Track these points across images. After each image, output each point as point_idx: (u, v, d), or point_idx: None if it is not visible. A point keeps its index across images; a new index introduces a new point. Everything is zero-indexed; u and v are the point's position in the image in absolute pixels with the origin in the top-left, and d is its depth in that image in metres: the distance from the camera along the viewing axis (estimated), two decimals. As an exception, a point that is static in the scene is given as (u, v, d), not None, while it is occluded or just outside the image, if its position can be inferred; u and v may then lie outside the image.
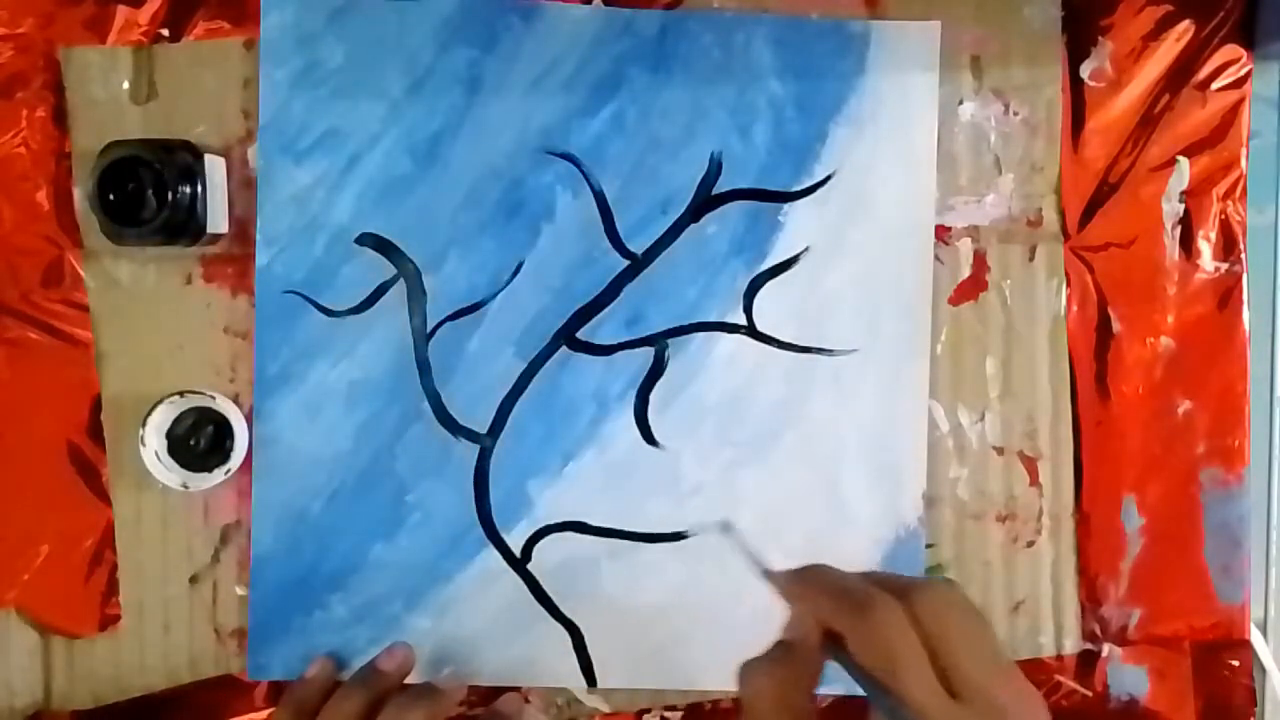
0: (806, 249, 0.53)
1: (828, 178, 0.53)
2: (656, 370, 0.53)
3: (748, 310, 0.53)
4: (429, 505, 0.53)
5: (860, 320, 0.53)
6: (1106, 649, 0.54)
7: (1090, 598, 0.54)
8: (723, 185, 0.53)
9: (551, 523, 0.53)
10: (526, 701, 0.54)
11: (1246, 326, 0.54)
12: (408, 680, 0.53)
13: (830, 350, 0.53)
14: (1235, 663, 0.54)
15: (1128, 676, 0.55)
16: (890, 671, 0.33)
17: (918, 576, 0.36)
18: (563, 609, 0.53)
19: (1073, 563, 0.54)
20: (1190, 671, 0.55)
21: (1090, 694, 0.54)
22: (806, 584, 0.37)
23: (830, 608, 0.35)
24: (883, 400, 0.53)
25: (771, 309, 0.53)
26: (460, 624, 0.53)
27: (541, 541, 0.53)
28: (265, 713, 0.54)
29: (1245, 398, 0.54)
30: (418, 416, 0.53)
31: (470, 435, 0.53)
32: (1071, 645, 0.54)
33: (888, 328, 0.53)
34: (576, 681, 0.53)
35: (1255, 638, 0.54)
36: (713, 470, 0.53)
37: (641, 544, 0.53)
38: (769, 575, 0.39)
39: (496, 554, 0.53)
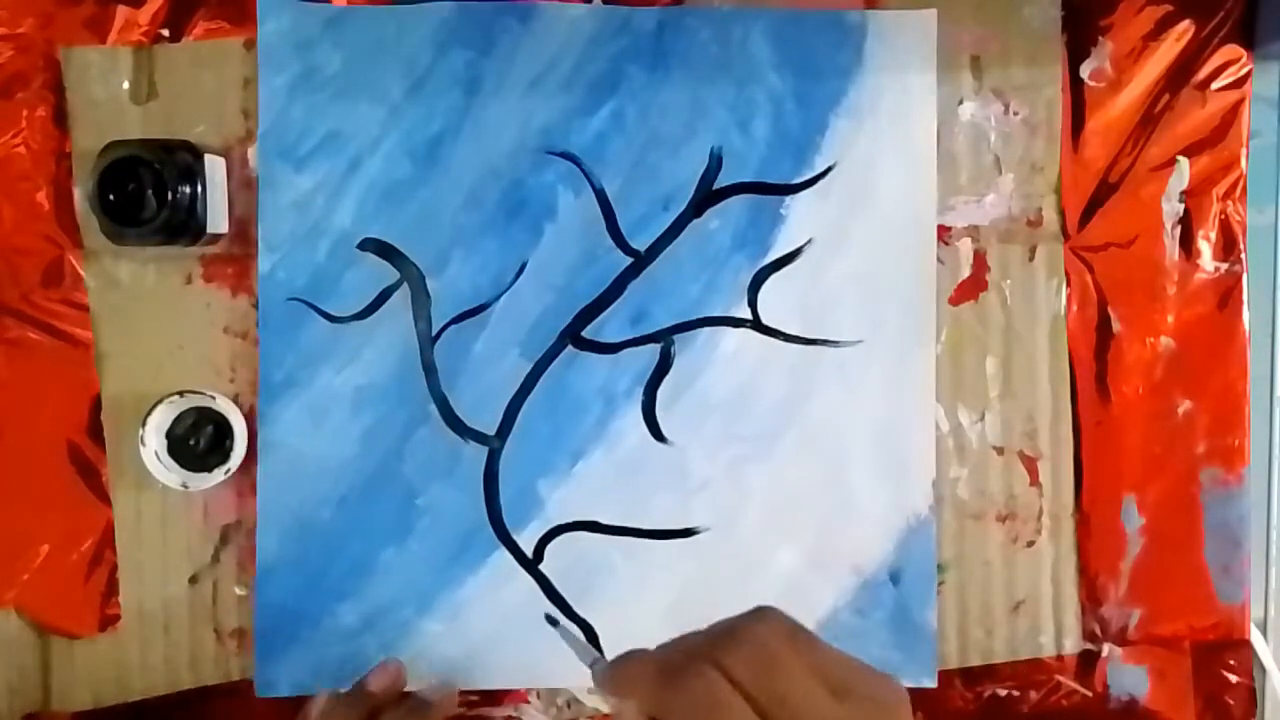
0: (809, 241, 0.53)
1: (828, 169, 0.53)
2: (663, 367, 0.53)
3: (752, 304, 0.53)
4: (439, 508, 0.53)
5: (865, 311, 0.53)
6: (1106, 649, 0.54)
7: (1090, 598, 0.54)
8: (724, 180, 0.53)
9: (563, 522, 0.53)
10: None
11: (1246, 326, 0.54)
12: (413, 688, 0.53)
13: (836, 342, 0.53)
14: (1235, 663, 0.54)
15: (1128, 676, 0.55)
16: None
17: (734, 619, 0.34)
18: (576, 608, 0.53)
19: (1073, 563, 0.54)
20: (1190, 671, 0.55)
21: (1090, 694, 0.54)
22: (622, 672, 0.36)
23: (646, 692, 0.34)
24: (889, 390, 0.53)
25: (776, 302, 0.53)
26: (473, 627, 0.53)
27: (553, 541, 0.53)
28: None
29: (1245, 398, 0.54)
30: (425, 420, 0.53)
31: (478, 437, 0.53)
32: (1071, 645, 0.54)
33: (892, 318, 0.53)
34: (590, 682, 0.53)
35: (1255, 638, 0.54)
36: (721, 465, 0.53)
37: (652, 541, 0.53)
38: (594, 668, 0.38)
39: (508, 555, 0.53)
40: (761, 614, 0.34)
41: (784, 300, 0.53)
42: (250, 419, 0.52)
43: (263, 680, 0.53)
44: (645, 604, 0.53)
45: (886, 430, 0.53)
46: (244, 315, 0.53)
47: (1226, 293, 0.54)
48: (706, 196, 0.53)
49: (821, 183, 0.53)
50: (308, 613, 0.53)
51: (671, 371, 0.53)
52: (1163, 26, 0.54)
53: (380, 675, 0.51)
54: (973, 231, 0.54)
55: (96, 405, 0.53)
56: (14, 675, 0.53)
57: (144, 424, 0.51)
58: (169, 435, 0.52)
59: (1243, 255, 0.54)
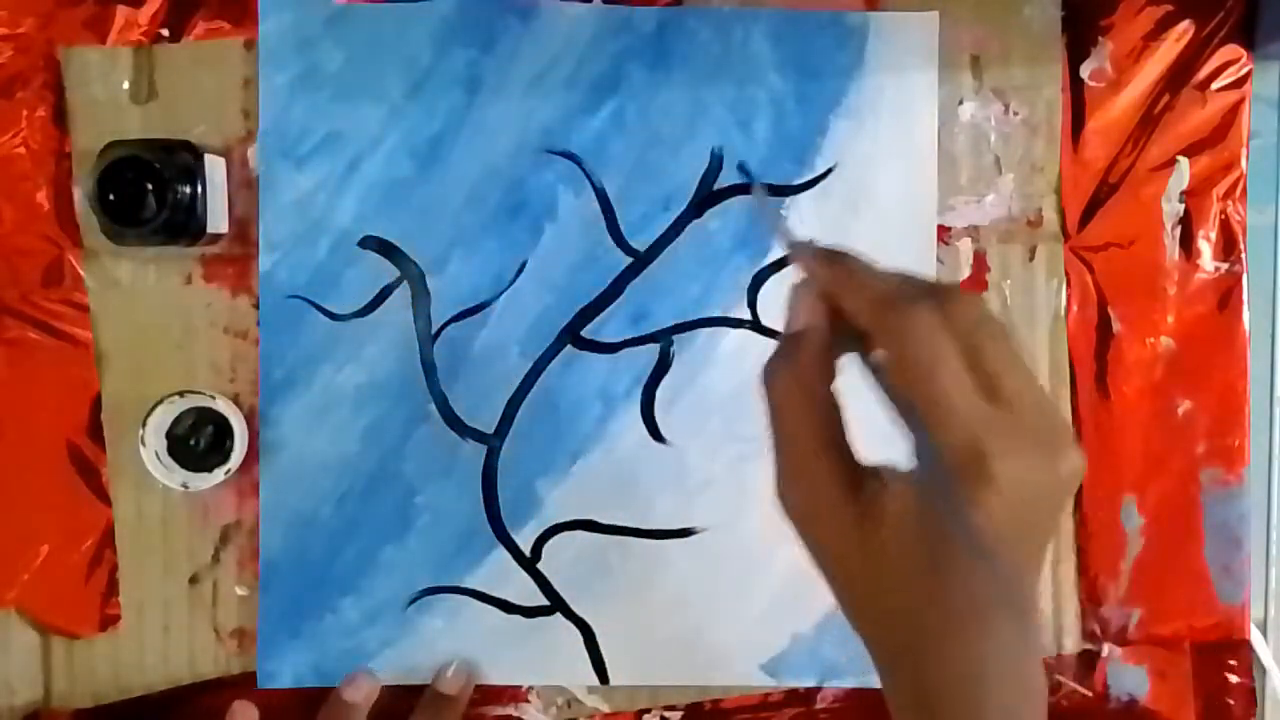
0: (810, 241, 0.53)
1: (829, 170, 0.53)
2: (662, 367, 0.53)
3: (752, 305, 0.53)
4: (438, 506, 0.53)
5: None
6: (1106, 649, 0.54)
7: (1090, 598, 0.54)
8: (724, 180, 0.53)
9: (560, 521, 0.53)
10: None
11: (1246, 326, 0.54)
12: (412, 682, 0.53)
13: (836, 342, 0.53)
14: (1235, 663, 0.54)
15: (1128, 676, 0.55)
16: (923, 375, 0.31)
17: (947, 282, 0.33)
18: (574, 607, 0.53)
19: (1073, 563, 0.54)
20: (1190, 671, 0.55)
21: (1090, 694, 0.54)
22: (836, 270, 0.34)
23: (861, 303, 0.33)
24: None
25: (776, 303, 0.53)
26: (472, 624, 0.53)
27: (551, 540, 0.53)
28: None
29: (1245, 398, 0.54)
30: (424, 418, 0.53)
31: (477, 436, 0.53)
32: (1071, 645, 0.54)
33: None
34: (589, 679, 0.53)
35: (1255, 638, 0.54)
36: (720, 465, 0.53)
37: (650, 540, 0.53)
38: (794, 246, 0.36)
39: (506, 554, 0.53)
40: (981, 296, 0.34)
41: (784, 301, 0.53)
42: (250, 419, 0.53)
43: (264, 673, 0.53)
44: (643, 604, 0.53)
45: (885, 431, 0.53)
46: (244, 315, 0.53)
47: (1226, 293, 0.54)
48: (707, 197, 0.53)
49: (822, 184, 0.53)
50: (310, 608, 0.53)
51: (671, 371, 0.53)
52: (1163, 26, 0.54)
53: (354, 688, 0.52)
54: (973, 231, 0.54)
55: (96, 405, 0.53)
56: (14, 675, 0.53)
57: (144, 424, 0.51)
58: (169, 435, 0.52)
59: (1243, 255, 0.54)
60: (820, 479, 0.34)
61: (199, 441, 0.52)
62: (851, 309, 0.33)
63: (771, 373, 0.34)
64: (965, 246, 0.54)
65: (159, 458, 0.51)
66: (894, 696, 0.35)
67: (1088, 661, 0.55)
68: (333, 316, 0.53)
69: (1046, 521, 0.33)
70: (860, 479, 0.34)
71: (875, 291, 0.33)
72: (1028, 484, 0.31)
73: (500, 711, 0.54)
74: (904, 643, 0.34)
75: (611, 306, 0.53)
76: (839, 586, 0.35)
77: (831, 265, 0.35)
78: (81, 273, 0.53)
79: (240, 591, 0.53)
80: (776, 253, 0.53)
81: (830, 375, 0.34)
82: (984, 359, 0.31)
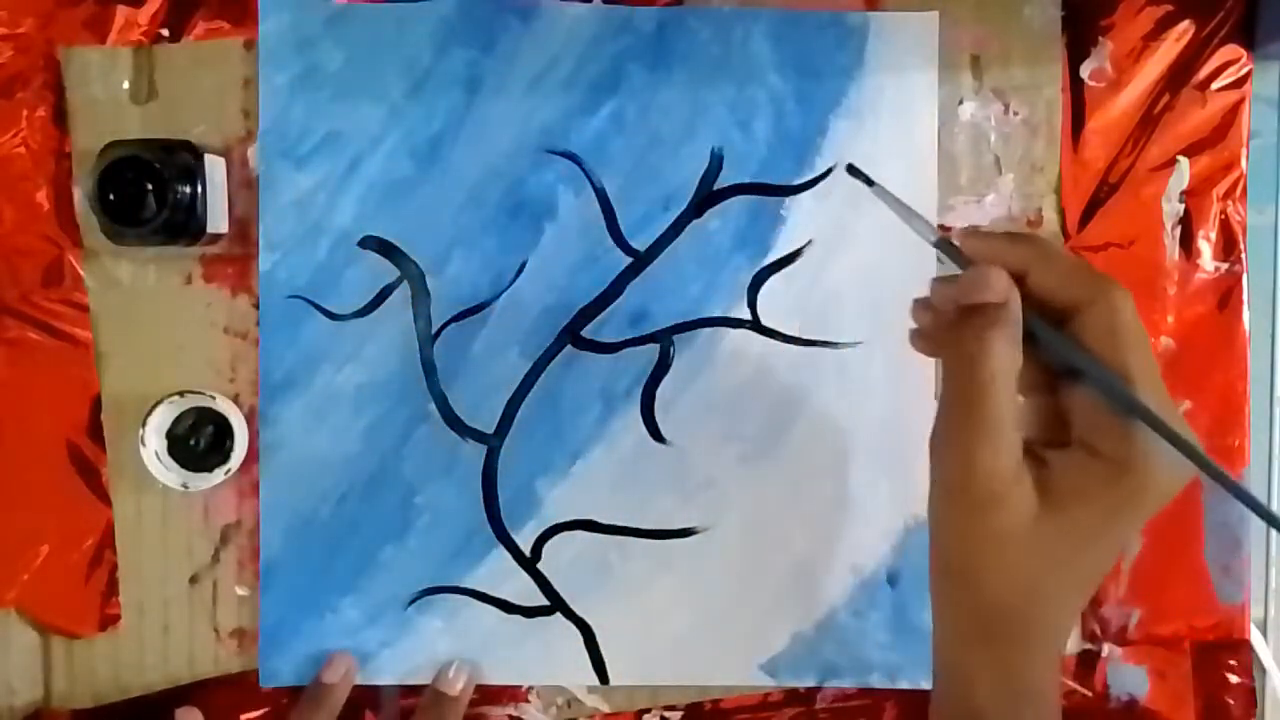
0: (810, 242, 0.53)
1: (829, 171, 0.53)
2: (662, 367, 0.53)
3: (752, 305, 0.53)
4: (437, 507, 0.53)
5: (865, 312, 0.53)
6: (1106, 649, 0.54)
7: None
8: (724, 180, 0.53)
9: (560, 521, 0.53)
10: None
11: (1246, 326, 0.54)
12: (413, 682, 0.53)
13: (836, 343, 0.53)
14: (1235, 663, 0.54)
15: (1128, 676, 0.55)
16: (1127, 357, 0.34)
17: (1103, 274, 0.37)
18: (574, 607, 0.53)
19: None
20: (1190, 671, 0.55)
21: (1090, 694, 0.54)
22: (1026, 248, 0.37)
23: (1063, 277, 0.36)
24: (889, 391, 0.53)
25: (776, 303, 0.53)
26: (472, 624, 0.53)
27: (551, 540, 0.53)
28: (264, 710, 0.54)
29: (1245, 398, 0.54)
30: (424, 418, 0.53)
31: (477, 436, 0.53)
32: (1071, 645, 0.54)
33: (893, 319, 0.53)
34: (589, 679, 0.53)
35: (1255, 638, 0.54)
36: (721, 465, 0.53)
37: (650, 540, 0.53)
38: (969, 237, 0.38)
39: (506, 554, 0.53)
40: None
41: (784, 301, 0.53)
42: (251, 419, 0.53)
43: (267, 671, 0.53)
44: (643, 603, 0.53)
45: (886, 431, 0.53)
46: (244, 315, 0.53)
47: (1226, 293, 0.54)
48: (707, 197, 0.53)
49: (822, 184, 0.53)
50: (310, 608, 0.53)
51: (671, 371, 0.53)
52: (1163, 26, 0.54)
53: (332, 669, 0.52)
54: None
55: (96, 405, 0.53)
56: (14, 675, 0.53)
57: (144, 424, 0.51)
58: (169, 435, 0.52)
59: (1243, 255, 0.54)
60: (1014, 445, 0.36)
61: (199, 441, 0.52)
62: (1054, 283, 0.36)
63: (1001, 345, 0.35)
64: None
65: (159, 458, 0.51)
66: (964, 668, 0.39)
67: (1088, 661, 0.55)
68: (333, 316, 0.53)
69: (1168, 499, 0.36)
70: (1033, 458, 0.36)
71: (1087, 271, 0.36)
72: (1175, 465, 0.35)
73: (500, 711, 0.54)
74: (1014, 616, 0.37)
75: (611, 306, 0.53)
76: (975, 557, 0.37)
77: (1020, 244, 0.37)
78: (81, 273, 0.53)
79: (240, 591, 0.53)
80: (777, 252, 0.53)
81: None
82: (1152, 358, 0.36)
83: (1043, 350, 0.37)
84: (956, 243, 0.38)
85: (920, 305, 0.40)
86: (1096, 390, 0.35)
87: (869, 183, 0.42)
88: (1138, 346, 0.35)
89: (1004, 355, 0.35)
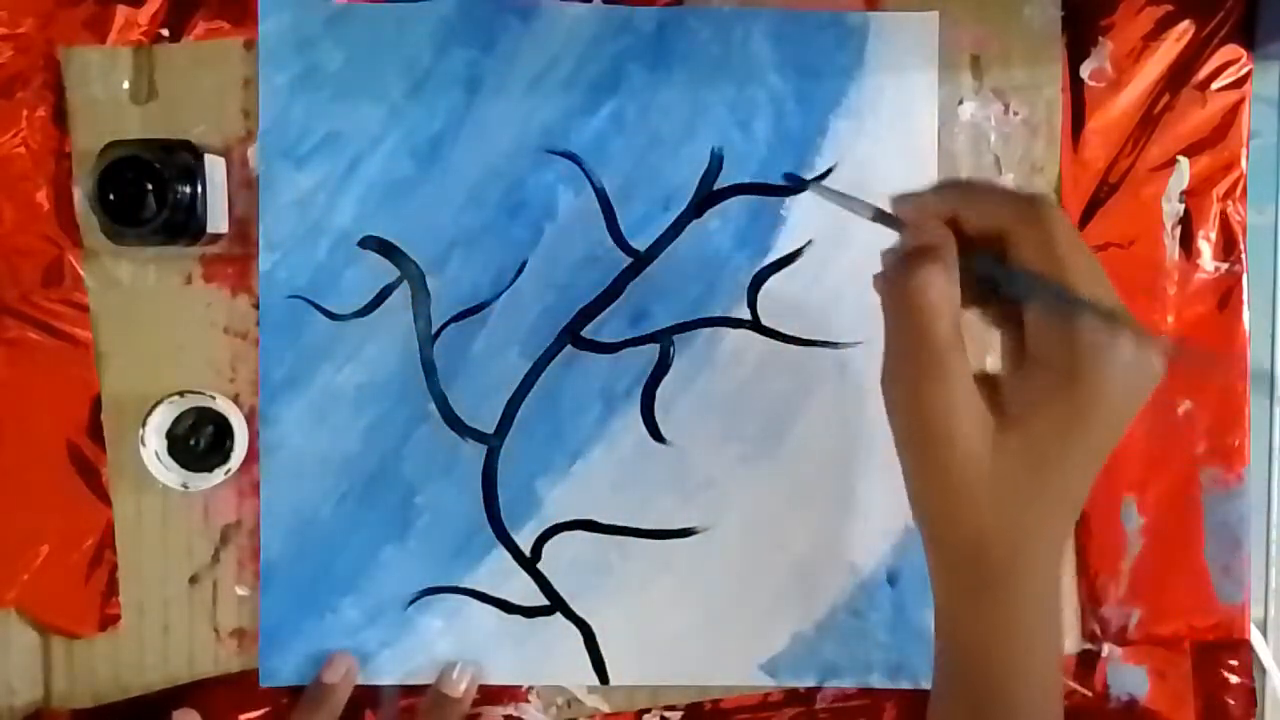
0: (810, 242, 0.53)
1: (829, 170, 0.53)
2: (662, 367, 0.53)
3: (752, 305, 0.53)
4: (438, 507, 0.53)
5: (865, 312, 0.53)
6: (1106, 649, 0.54)
7: (1090, 598, 0.54)
8: (724, 180, 0.53)
9: (560, 521, 0.53)
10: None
11: (1246, 326, 0.54)
12: (413, 682, 0.53)
13: (836, 343, 0.53)
14: (1235, 663, 0.54)
15: (1128, 676, 0.55)
16: (1061, 268, 0.35)
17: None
18: (574, 607, 0.53)
19: (1073, 563, 0.54)
20: (1190, 671, 0.55)
21: (1090, 694, 0.55)
22: (952, 192, 0.39)
23: (993, 209, 0.37)
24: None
25: (776, 303, 0.53)
26: (472, 624, 0.53)
27: (551, 540, 0.53)
28: (264, 710, 0.54)
29: (1245, 398, 0.54)
30: (424, 418, 0.53)
31: (477, 436, 0.53)
32: (1071, 645, 0.54)
33: None
34: (589, 679, 0.53)
35: (1255, 638, 0.54)
36: (721, 465, 0.53)
37: (651, 540, 0.53)
38: (898, 201, 0.40)
39: (506, 554, 0.53)
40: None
41: (784, 301, 0.53)
42: (251, 419, 0.53)
43: (267, 671, 0.53)
44: (643, 603, 0.53)
45: (886, 431, 0.53)
46: (244, 315, 0.53)
47: (1226, 293, 0.54)
48: (707, 197, 0.53)
49: (822, 183, 0.53)
50: (310, 607, 0.53)
51: (671, 371, 0.53)
52: (1163, 26, 0.54)
53: (332, 669, 0.52)
54: (973, 231, 0.54)
55: (96, 405, 0.53)
56: (14, 675, 0.53)
57: (144, 424, 0.51)
58: (169, 435, 0.52)
59: (1243, 255, 0.54)
60: (960, 374, 0.36)
61: (199, 441, 0.52)
62: (978, 214, 0.37)
63: (926, 280, 0.36)
64: (965, 246, 0.54)
65: (159, 458, 0.51)
66: (952, 598, 0.40)
67: (1088, 661, 0.55)
68: (333, 316, 0.53)
69: (1132, 411, 0.37)
70: (983, 381, 0.37)
71: (1009, 196, 0.38)
72: (1135, 365, 0.35)
73: (500, 711, 0.54)
74: (993, 543, 0.37)
75: (611, 306, 0.53)
76: (943, 490, 0.38)
77: (945, 190, 0.39)
78: (81, 273, 0.53)
79: (240, 591, 0.53)
80: (777, 252, 0.53)
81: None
82: (1095, 260, 0.36)
83: (990, 283, 0.38)
84: (890, 210, 0.40)
85: (877, 279, 0.40)
86: (1041, 305, 0.36)
87: (804, 185, 0.44)
88: (1071, 254, 0.35)
89: (936, 289, 0.36)
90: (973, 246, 0.37)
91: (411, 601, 0.53)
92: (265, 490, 0.53)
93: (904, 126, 0.53)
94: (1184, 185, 0.54)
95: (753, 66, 0.53)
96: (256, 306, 0.53)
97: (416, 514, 0.53)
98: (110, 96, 0.53)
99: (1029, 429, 0.36)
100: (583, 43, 0.53)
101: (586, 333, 0.53)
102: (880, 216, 0.40)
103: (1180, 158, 0.54)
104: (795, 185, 0.48)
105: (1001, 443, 0.36)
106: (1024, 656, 0.39)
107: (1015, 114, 0.54)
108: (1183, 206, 0.54)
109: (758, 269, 0.53)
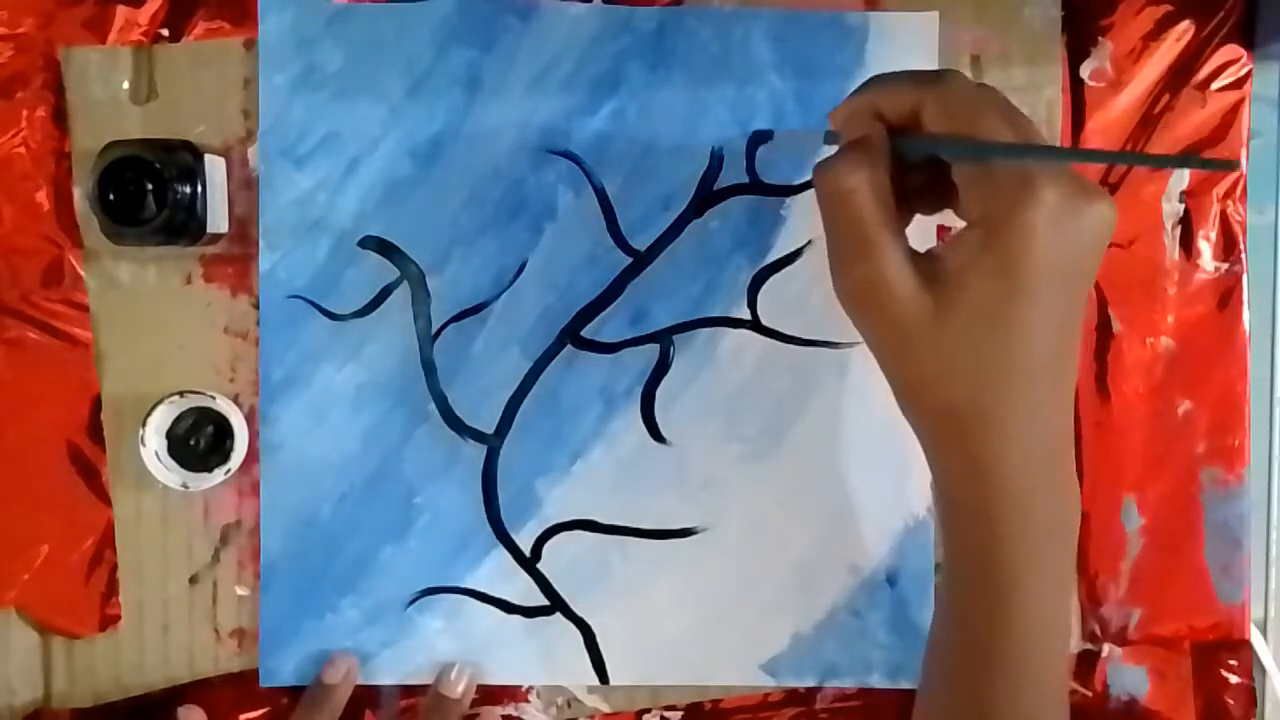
0: (809, 242, 0.53)
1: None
2: (662, 367, 0.53)
3: (752, 305, 0.53)
4: (437, 507, 0.53)
5: None
6: (1106, 649, 0.54)
7: (1090, 598, 0.54)
8: (724, 180, 0.53)
9: (560, 521, 0.53)
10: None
11: (1246, 326, 0.54)
12: (413, 682, 0.53)
13: (835, 343, 0.53)
14: (1235, 663, 0.54)
15: (1128, 676, 0.55)
16: (972, 121, 0.37)
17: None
18: (574, 607, 0.53)
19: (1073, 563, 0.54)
20: (1190, 671, 0.55)
21: (1090, 694, 0.55)
22: (869, 92, 0.41)
23: (902, 91, 0.39)
24: (889, 391, 0.53)
25: (776, 303, 0.53)
26: (472, 624, 0.53)
27: (551, 540, 0.53)
28: (264, 710, 0.54)
29: (1245, 398, 0.54)
30: (424, 418, 0.53)
31: (477, 436, 0.53)
32: (1072, 645, 0.54)
33: None
34: (589, 679, 0.53)
35: (1255, 638, 0.54)
36: (721, 465, 0.53)
37: (651, 540, 0.53)
38: (831, 116, 0.43)
39: (506, 554, 0.53)
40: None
41: (784, 301, 0.53)
42: (251, 419, 0.53)
43: (267, 671, 0.53)
44: (643, 603, 0.53)
45: (885, 432, 0.53)
46: (244, 315, 0.53)
47: (1226, 293, 0.54)
48: (707, 197, 0.53)
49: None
50: (310, 608, 0.53)
51: (671, 371, 0.53)
52: (1163, 26, 0.54)
53: (333, 669, 0.52)
54: (973, 231, 0.54)
55: (96, 405, 0.53)
56: (14, 675, 0.53)
57: (144, 424, 0.51)
58: (169, 435, 0.52)
59: (1243, 255, 0.54)
60: (890, 251, 0.38)
61: (199, 441, 0.52)
62: (893, 101, 0.39)
63: (841, 170, 0.38)
64: (965, 246, 0.54)
65: (159, 458, 0.51)
66: (945, 474, 0.40)
67: (1087, 661, 0.55)
68: (333, 316, 0.53)
69: (1085, 266, 0.37)
70: (923, 257, 0.38)
71: (915, 74, 0.40)
72: (1070, 214, 0.35)
73: (500, 711, 0.54)
74: (966, 414, 0.38)
75: (611, 306, 0.53)
76: (904, 368, 0.40)
77: (864, 88, 0.41)
78: (81, 273, 0.53)
79: (240, 591, 0.53)
80: (777, 252, 0.53)
81: (890, 169, 0.39)
82: (1014, 115, 0.37)
83: (918, 159, 0.40)
84: (829, 124, 0.43)
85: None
86: (962, 167, 0.38)
87: (768, 136, 0.48)
88: (979, 109, 0.37)
89: (853, 175, 0.38)
90: (901, 133, 0.39)
91: (411, 602, 0.53)
92: (265, 490, 0.53)
93: (903, 126, 0.53)
94: (1184, 185, 0.54)
95: (753, 66, 0.53)
96: (256, 306, 0.53)
97: (416, 514, 0.53)
98: (110, 96, 0.53)
99: (964, 290, 0.36)
100: (583, 42, 0.53)
101: (586, 333, 0.53)
102: (829, 137, 0.43)
103: (1180, 158, 0.54)
104: (765, 137, 0.52)
105: (940, 310, 0.37)
106: (1003, 508, 0.39)
107: (1015, 114, 0.54)
108: (1183, 206, 0.54)
109: (758, 269, 0.53)
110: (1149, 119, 0.54)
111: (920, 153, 0.39)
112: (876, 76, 0.41)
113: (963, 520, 0.40)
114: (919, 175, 0.41)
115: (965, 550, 0.40)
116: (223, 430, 0.52)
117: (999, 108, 0.37)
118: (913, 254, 0.39)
